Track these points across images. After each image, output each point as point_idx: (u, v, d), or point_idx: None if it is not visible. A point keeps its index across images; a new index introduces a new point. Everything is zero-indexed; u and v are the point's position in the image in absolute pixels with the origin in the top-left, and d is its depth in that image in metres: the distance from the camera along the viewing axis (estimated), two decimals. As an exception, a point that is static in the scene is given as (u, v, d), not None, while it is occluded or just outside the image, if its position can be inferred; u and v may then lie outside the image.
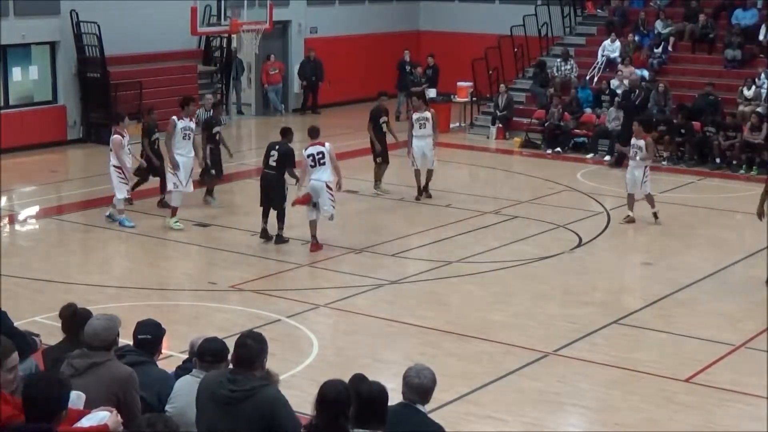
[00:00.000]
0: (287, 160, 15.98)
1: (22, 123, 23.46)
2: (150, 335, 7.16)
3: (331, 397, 5.68)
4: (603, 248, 16.72)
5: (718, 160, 22.63)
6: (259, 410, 6.00)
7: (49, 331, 9.19)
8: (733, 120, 23.04)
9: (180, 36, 25.71)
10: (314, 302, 13.63)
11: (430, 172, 19.35)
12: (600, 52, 26.89)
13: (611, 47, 26.76)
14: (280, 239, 16.21)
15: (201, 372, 6.65)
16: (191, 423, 6.42)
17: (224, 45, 27.47)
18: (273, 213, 16.20)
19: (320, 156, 15.65)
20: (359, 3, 31.61)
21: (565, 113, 24.80)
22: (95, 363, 6.43)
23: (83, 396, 5.84)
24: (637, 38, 27.04)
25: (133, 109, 22.84)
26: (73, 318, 7.67)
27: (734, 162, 22.38)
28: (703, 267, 15.47)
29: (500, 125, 26.00)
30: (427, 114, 19.25)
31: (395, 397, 6.18)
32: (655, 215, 17.70)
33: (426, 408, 6.27)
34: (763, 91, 23.58)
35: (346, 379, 5.99)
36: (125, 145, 16.98)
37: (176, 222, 17.04)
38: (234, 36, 26.44)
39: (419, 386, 6.21)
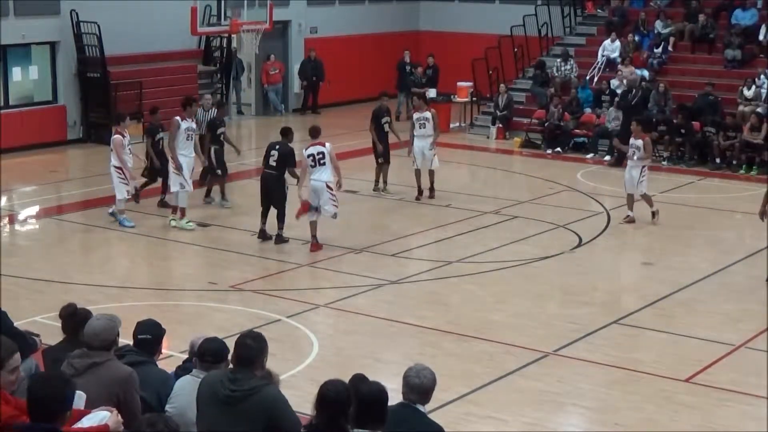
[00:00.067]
0: (287, 160, 15.98)
1: (22, 123, 23.46)
2: (150, 335, 7.16)
3: (331, 397, 5.68)
4: (603, 248, 16.73)
5: (718, 160, 22.63)
6: (259, 410, 6.00)
7: (49, 331, 9.19)
8: (733, 120, 23.04)
9: (180, 36, 25.71)
10: (314, 302, 13.63)
11: (431, 173, 19.34)
12: (600, 52, 26.89)
13: (611, 47, 26.75)
14: (280, 239, 16.21)
15: (201, 372, 6.65)
16: (191, 423, 6.42)
17: (224, 45, 27.47)
18: (273, 213, 16.21)
19: (320, 156, 15.65)
20: (359, 3, 31.61)
21: (565, 113, 24.81)
22: (95, 363, 6.43)
23: (84, 396, 5.84)
24: (637, 38, 27.05)
25: (133, 109, 22.84)
26: (73, 318, 7.68)
27: (734, 162, 22.38)
28: (703, 267, 15.47)
29: (500, 125, 26.00)
30: (427, 114, 19.25)
31: (395, 397, 6.18)
32: (653, 214, 17.69)
33: (426, 408, 6.27)
34: (763, 91, 23.58)
35: (346, 379, 6.00)
36: (126, 145, 16.97)
37: (188, 222, 17.05)
38: (234, 36, 26.44)
39: (419, 386, 6.21)
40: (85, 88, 24.71)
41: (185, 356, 8.40)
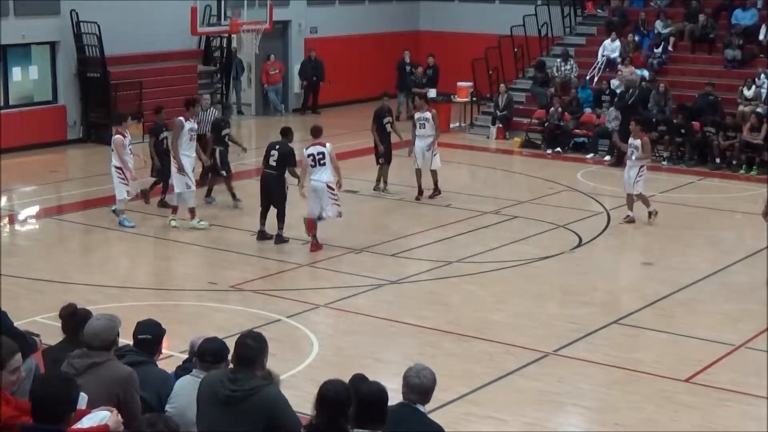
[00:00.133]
0: (287, 159, 15.99)
1: (22, 123, 23.46)
2: (150, 335, 7.16)
3: (331, 397, 5.68)
4: (603, 248, 16.73)
5: (718, 160, 22.63)
6: (259, 410, 6.00)
7: (49, 331, 9.19)
8: (732, 120, 23.04)
9: (180, 36, 25.71)
10: (314, 302, 13.63)
11: (434, 173, 19.34)
12: (600, 52, 26.89)
13: (611, 47, 26.75)
14: (280, 239, 16.21)
15: (201, 372, 6.65)
16: (191, 423, 6.42)
17: (224, 45, 27.47)
18: (273, 213, 16.21)
19: (320, 156, 15.65)
20: (359, 3, 31.61)
21: (565, 113, 24.81)
22: (95, 363, 6.43)
23: (85, 396, 5.84)
24: (637, 38, 27.05)
25: (133, 109, 22.84)
26: (73, 318, 7.68)
27: (734, 162, 22.38)
28: (703, 267, 15.47)
29: (500, 125, 26.00)
30: (428, 114, 19.26)
31: (395, 397, 6.18)
32: (649, 214, 17.67)
33: (426, 408, 6.27)
34: (763, 91, 23.58)
35: (346, 379, 5.99)
36: (127, 145, 16.97)
37: (200, 221, 17.06)
38: (234, 36, 26.44)
39: (419, 386, 6.21)
40: (85, 88, 24.71)
41: (185, 356, 8.40)
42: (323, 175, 15.68)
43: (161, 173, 18.13)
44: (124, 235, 16.91)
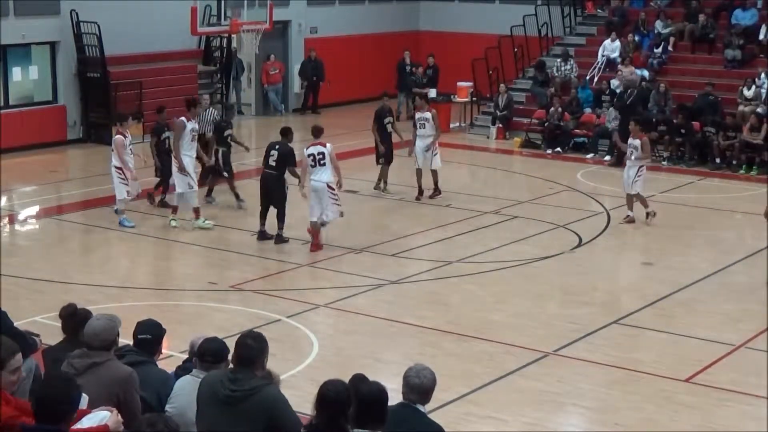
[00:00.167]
0: (287, 159, 15.99)
1: (22, 123, 23.46)
2: (150, 335, 7.16)
3: (331, 397, 5.68)
4: (603, 248, 16.72)
5: (718, 160, 22.63)
6: (259, 410, 6.01)
7: (49, 331, 9.19)
8: (732, 120, 23.04)
9: (180, 36, 25.71)
10: (314, 302, 13.63)
11: (434, 173, 19.34)
12: (600, 52, 26.89)
13: (611, 47, 26.75)
14: (280, 239, 16.21)
15: (201, 372, 6.65)
16: (191, 423, 6.42)
17: (224, 45, 27.47)
18: (273, 213, 16.21)
19: (320, 156, 15.65)
20: (359, 3, 31.61)
21: (565, 113, 24.81)
22: (95, 363, 6.43)
23: (86, 397, 5.85)
24: (637, 38, 27.05)
25: (133, 109, 22.85)
26: (73, 318, 7.68)
27: (734, 162, 22.38)
28: (703, 267, 15.47)
29: (500, 125, 26.00)
30: (427, 114, 19.27)
31: (395, 397, 6.18)
32: (647, 215, 17.65)
33: (426, 408, 6.27)
34: (763, 91, 23.58)
35: (346, 379, 5.99)
36: (128, 145, 16.97)
37: (205, 221, 17.07)
38: (234, 36, 26.44)
39: (419, 386, 6.21)
40: (85, 88, 24.72)
41: (185, 356, 8.40)
42: (323, 176, 15.68)
43: (163, 173, 18.13)
44: (124, 235, 16.91)
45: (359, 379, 6.21)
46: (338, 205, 15.86)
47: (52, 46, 24.45)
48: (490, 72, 27.70)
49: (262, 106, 29.50)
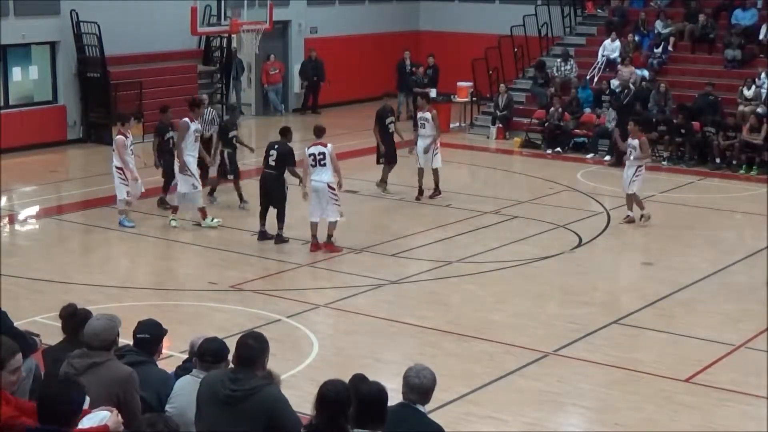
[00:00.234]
0: (287, 159, 15.99)
1: (22, 123, 23.46)
2: (150, 335, 7.17)
3: (331, 397, 5.68)
4: (603, 248, 16.72)
5: (718, 160, 22.63)
6: (260, 410, 6.01)
7: (49, 331, 9.19)
8: (733, 120, 23.04)
9: (180, 36, 25.71)
10: (314, 302, 13.63)
11: (435, 172, 19.33)
12: (600, 52, 26.89)
13: (611, 47, 26.75)
14: (280, 239, 16.21)
15: (201, 372, 6.65)
16: (191, 423, 6.42)
17: (224, 45, 27.46)
18: (273, 213, 16.21)
19: (321, 156, 15.66)
20: (359, 3, 31.61)
21: (565, 113, 24.81)
22: (95, 363, 6.44)
23: (88, 398, 5.85)
24: (637, 38, 27.05)
25: (133, 109, 22.85)
26: (73, 318, 7.68)
27: (734, 162, 22.38)
28: (703, 267, 15.47)
29: (500, 125, 26.00)
30: (428, 114, 19.28)
31: (395, 397, 6.18)
32: (641, 217, 17.59)
33: (426, 408, 6.27)
34: (763, 91, 23.58)
35: (346, 379, 6.00)
36: (129, 145, 16.96)
37: (213, 219, 17.08)
38: (234, 36, 26.44)
39: (419, 386, 6.21)
40: (85, 88, 24.71)
41: (185, 356, 8.40)
42: (324, 176, 15.68)
43: (166, 173, 18.14)
44: (124, 235, 16.91)
45: (359, 379, 6.22)
46: (338, 205, 15.86)
47: (52, 46, 24.45)
48: (490, 72, 27.70)
49: (262, 106, 29.50)
